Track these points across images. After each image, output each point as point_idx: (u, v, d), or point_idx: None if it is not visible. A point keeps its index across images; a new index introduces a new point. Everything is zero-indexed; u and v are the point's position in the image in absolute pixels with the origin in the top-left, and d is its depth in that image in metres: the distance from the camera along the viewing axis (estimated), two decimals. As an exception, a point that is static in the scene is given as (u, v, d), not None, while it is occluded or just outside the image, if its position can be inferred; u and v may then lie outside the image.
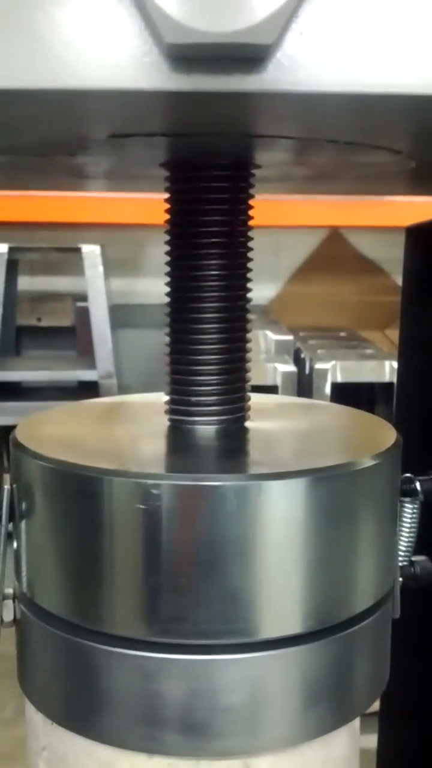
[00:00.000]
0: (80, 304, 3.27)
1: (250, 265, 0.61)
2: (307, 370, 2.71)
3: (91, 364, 3.02)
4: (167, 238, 0.60)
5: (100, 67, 0.32)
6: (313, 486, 0.49)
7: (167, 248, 0.60)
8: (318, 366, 2.66)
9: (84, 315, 3.12)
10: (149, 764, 0.50)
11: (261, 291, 3.89)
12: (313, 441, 0.62)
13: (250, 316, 0.62)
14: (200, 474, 0.49)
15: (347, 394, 2.60)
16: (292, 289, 3.68)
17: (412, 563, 0.62)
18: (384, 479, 0.55)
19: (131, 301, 3.52)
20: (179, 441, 0.60)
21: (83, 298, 3.10)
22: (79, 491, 0.50)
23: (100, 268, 3.01)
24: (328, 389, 2.64)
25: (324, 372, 2.64)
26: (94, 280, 3.01)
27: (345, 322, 3.42)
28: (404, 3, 0.32)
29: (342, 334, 3.18)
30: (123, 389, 3.06)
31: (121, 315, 3.35)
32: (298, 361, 2.82)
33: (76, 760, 0.53)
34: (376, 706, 1.01)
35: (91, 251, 3.00)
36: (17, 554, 0.55)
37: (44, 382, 3.10)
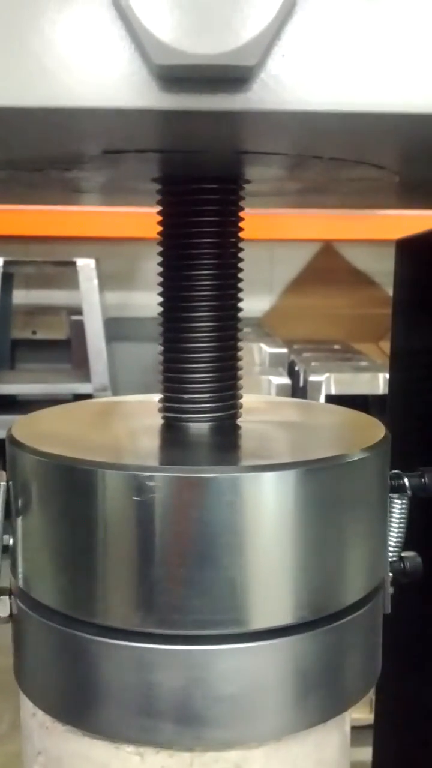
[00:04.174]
0: (75, 317, 3.29)
1: (243, 277, 0.62)
2: (301, 383, 2.72)
3: (86, 377, 3.04)
4: (160, 247, 0.61)
5: (92, 87, 0.33)
6: (304, 478, 0.51)
7: (160, 254, 0.61)
8: (312, 378, 2.67)
9: (79, 328, 3.14)
10: (143, 767, 0.51)
11: (255, 304, 3.90)
12: (304, 436, 0.64)
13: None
14: (193, 466, 0.50)
15: (342, 406, 2.61)
16: (286, 301, 3.70)
17: (401, 559, 0.64)
18: (373, 472, 0.56)
19: (126, 315, 3.54)
20: (173, 437, 0.61)
21: (78, 311, 3.12)
22: (74, 484, 0.51)
23: (95, 282, 3.03)
24: (322, 401, 2.65)
25: (318, 384, 2.66)
26: (89, 293, 3.02)
27: (339, 335, 3.44)
28: (382, 25, 0.34)
29: (336, 346, 3.20)
30: (118, 402, 3.06)
31: (116, 328, 3.37)
32: (293, 373, 2.84)
33: (72, 763, 0.54)
34: (370, 718, 1.02)
35: (86, 265, 3.02)
36: (13, 550, 0.56)
37: (39, 395, 3.11)
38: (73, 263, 3.03)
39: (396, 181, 0.57)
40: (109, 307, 3.32)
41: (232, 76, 0.32)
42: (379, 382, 2.70)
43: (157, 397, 0.64)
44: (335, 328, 3.54)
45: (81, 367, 3.15)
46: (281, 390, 2.62)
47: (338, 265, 3.66)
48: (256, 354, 2.93)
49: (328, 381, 2.68)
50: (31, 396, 3.13)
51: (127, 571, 0.50)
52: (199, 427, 0.61)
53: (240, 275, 0.62)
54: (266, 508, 0.50)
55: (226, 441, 0.61)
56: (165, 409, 0.63)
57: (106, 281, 3.21)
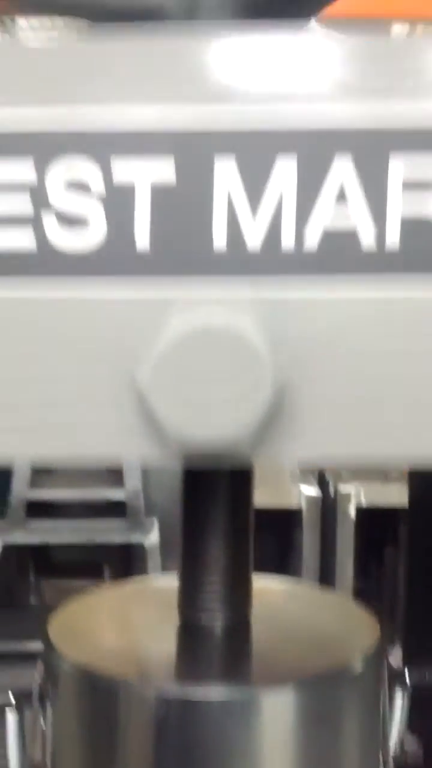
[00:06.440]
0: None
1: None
2: (331, 493, 2.74)
3: (119, 481, 3.09)
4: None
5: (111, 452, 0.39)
6: (300, 695, 0.56)
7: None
8: (342, 489, 2.69)
9: (113, 433, 3.20)
10: None
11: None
12: (305, 642, 0.68)
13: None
14: (200, 687, 0.55)
15: (373, 518, 2.63)
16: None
17: (402, 749, 0.66)
18: (369, 679, 0.60)
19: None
20: (185, 641, 0.66)
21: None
22: (91, 693, 0.57)
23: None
24: (353, 514, 2.68)
25: (347, 496, 2.68)
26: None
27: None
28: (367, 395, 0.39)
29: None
30: (149, 507, 3.11)
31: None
32: (323, 482, 2.86)
33: None
34: None
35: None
36: (44, 738, 0.61)
37: (73, 500, 3.16)
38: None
39: None
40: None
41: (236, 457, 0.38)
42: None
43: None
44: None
45: (114, 471, 3.21)
46: (311, 503, 2.64)
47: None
48: (287, 461, 2.96)
49: (358, 492, 2.70)
50: (65, 501, 3.19)
51: None
52: (213, 627, 0.65)
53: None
54: (268, 723, 0.55)
55: (235, 648, 0.65)
56: (181, 606, 0.67)
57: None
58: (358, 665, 0.59)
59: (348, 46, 0.39)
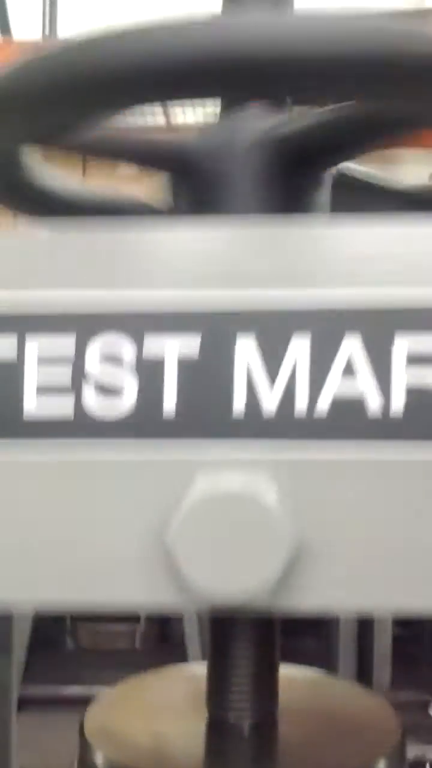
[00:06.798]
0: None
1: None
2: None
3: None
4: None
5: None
6: None
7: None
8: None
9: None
10: None
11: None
12: (328, 741, 0.71)
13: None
14: None
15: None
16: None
17: None
18: None
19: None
20: (214, 740, 0.70)
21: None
22: None
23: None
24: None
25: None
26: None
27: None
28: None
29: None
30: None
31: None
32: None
33: None
34: None
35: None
36: None
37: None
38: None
39: None
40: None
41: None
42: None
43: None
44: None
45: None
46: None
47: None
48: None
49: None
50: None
51: None
52: (240, 727, 0.69)
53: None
54: None
55: (262, 747, 0.69)
56: (210, 704, 0.71)
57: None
58: (381, 764, 0.62)
59: (355, 237, 0.43)
